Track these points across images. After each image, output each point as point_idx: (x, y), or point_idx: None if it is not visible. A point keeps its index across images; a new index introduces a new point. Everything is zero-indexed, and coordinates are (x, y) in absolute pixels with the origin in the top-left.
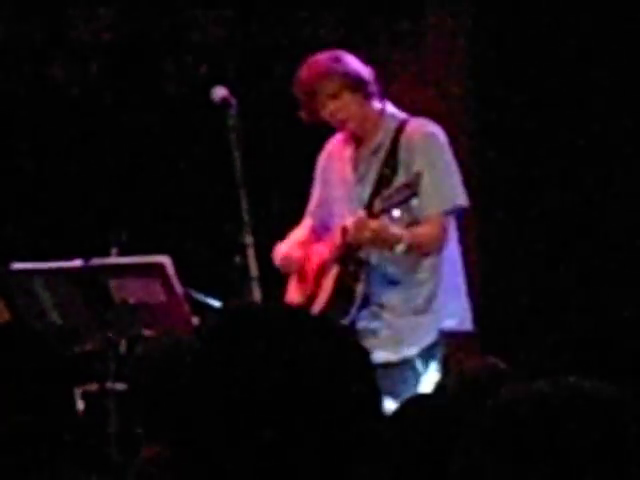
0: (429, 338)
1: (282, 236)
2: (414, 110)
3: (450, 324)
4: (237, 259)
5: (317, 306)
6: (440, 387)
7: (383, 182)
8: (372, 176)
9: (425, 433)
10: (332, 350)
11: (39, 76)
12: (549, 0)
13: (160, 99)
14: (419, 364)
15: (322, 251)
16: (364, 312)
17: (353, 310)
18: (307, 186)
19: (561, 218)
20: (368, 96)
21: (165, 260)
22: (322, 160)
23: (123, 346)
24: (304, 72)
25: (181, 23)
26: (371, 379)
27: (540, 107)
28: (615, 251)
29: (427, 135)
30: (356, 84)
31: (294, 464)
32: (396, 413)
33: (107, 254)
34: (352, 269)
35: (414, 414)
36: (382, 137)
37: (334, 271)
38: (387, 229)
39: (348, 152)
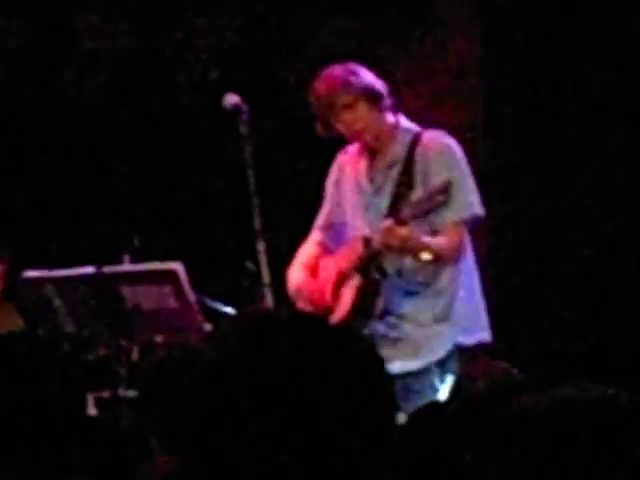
0: (447, 348)
1: (294, 243)
2: (425, 122)
3: (470, 341)
4: (249, 265)
5: (337, 316)
6: (453, 395)
7: (400, 195)
8: (388, 189)
9: (437, 441)
10: (351, 360)
11: (51, 85)
12: (561, 7)
13: (172, 106)
14: (437, 374)
15: (336, 263)
16: (383, 322)
17: (374, 319)
18: (318, 192)
19: (574, 229)
20: (383, 108)
21: (177, 267)
22: (333, 174)
23: (135, 353)
24: (320, 84)
25: (192, 31)
26: (389, 390)
27: (555, 121)
28: (630, 254)
29: (443, 146)
30: (372, 96)
31: (310, 472)
32: (409, 421)
33: (119, 261)
34: (374, 279)
35: (426, 422)
36: (398, 150)
37: (355, 281)
38: (415, 236)
39: (363, 164)
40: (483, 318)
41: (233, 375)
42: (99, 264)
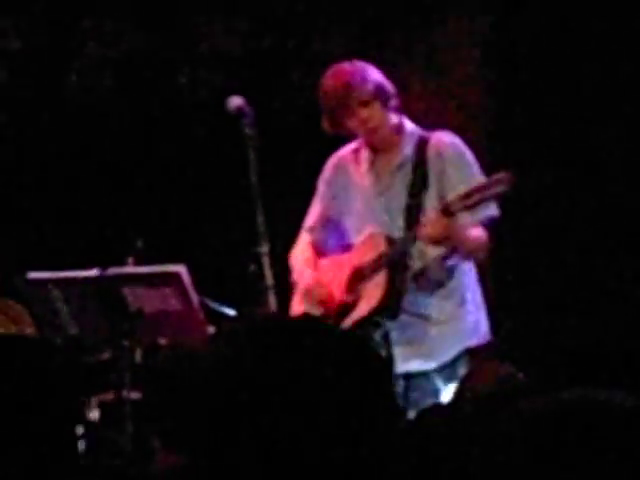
0: (458, 348)
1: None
2: (428, 123)
3: (475, 341)
4: (252, 268)
5: (362, 310)
6: (457, 397)
7: (415, 195)
8: (398, 189)
9: (441, 443)
10: (352, 362)
11: (55, 87)
12: (565, 8)
13: (176, 109)
14: (447, 373)
15: (349, 260)
16: (398, 321)
17: (400, 314)
18: None
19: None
20: (391, 109)
21: (181, 269)
22: (328, 174)
23: (139, 355)
24: (334, 79)
25: (196, 34)
26: (390, 392)
27: (560, 121)
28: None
29: (456, 146)
30: (385, 95)
31: (311, 472)
32: (413, 422)
33: (123, 263)
34: (401, 276)
35: (431, 423)
36: (406, 151)
37: (380, 278)
38: (462, 229)
39: (365, 165)
40: (484, 318)
41: (235, 376)
42: (103, 266)
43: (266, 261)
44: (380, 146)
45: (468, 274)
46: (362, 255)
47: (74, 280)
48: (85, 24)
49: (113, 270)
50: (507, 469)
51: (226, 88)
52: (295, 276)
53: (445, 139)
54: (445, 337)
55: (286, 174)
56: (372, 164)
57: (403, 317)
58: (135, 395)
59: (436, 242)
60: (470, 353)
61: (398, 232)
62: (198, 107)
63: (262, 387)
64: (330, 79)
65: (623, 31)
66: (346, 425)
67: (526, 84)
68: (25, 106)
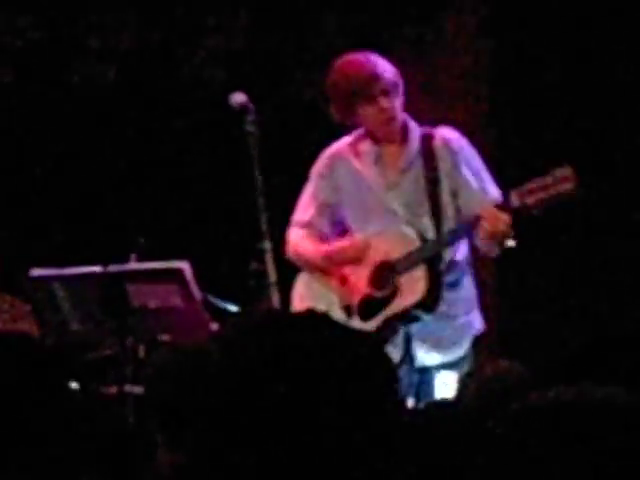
0: (469, 339)
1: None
2: (426, 120)
3: (474, 331)
4: (254, 265)
5: (400, 304)
6: (460, 391)
7: (433, 191)
8: (408, 184)
9: (444, 437)
10: (357, 359)
11: (59, 82)
12: (568, 10)
13: (178, 105)
14: (461, 367)
15: (372, 255)
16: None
17: (439, 306)
18: None
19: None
20: (402, 103)
21: (184, 265)
22: (323, 167)
23: (141, 351)
24: (356, 66)
25: (199, 30)
26: (395, 389)
27: (560, 123)
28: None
29: (462, 141)
30: (401, 88)
31: (314, 469)
32: (419, 418)
33: (126, 260)
34: (441, 268)
35: (434, 418)
36: (413, 145)
37: (419, 273)
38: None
39: (369, 158)
40: (478, 309)
41: (238, 374)
42: (106, 263)
43: (269, 258)
44: (389, 138)
45: (469, 269)
46: (388, 251)
47: (77, 277)
48: (88, 19)
49: (116, 267)
50: (504, 468)
51: (230, 84)
52: (309, 255)
53: (452, 134)
54: (460, 331)
55: (289, 171)
56: (378, 157)
57: None
58: (138, 389)
59: (494, 238)
60: (473, 345)
61: (418, 227)
62: (201, 103)
63: (264, 386)
64: (352, 65)
65: (623, 31)
66: (349, 426)
67: (522, 84)
68: (28, 101)
